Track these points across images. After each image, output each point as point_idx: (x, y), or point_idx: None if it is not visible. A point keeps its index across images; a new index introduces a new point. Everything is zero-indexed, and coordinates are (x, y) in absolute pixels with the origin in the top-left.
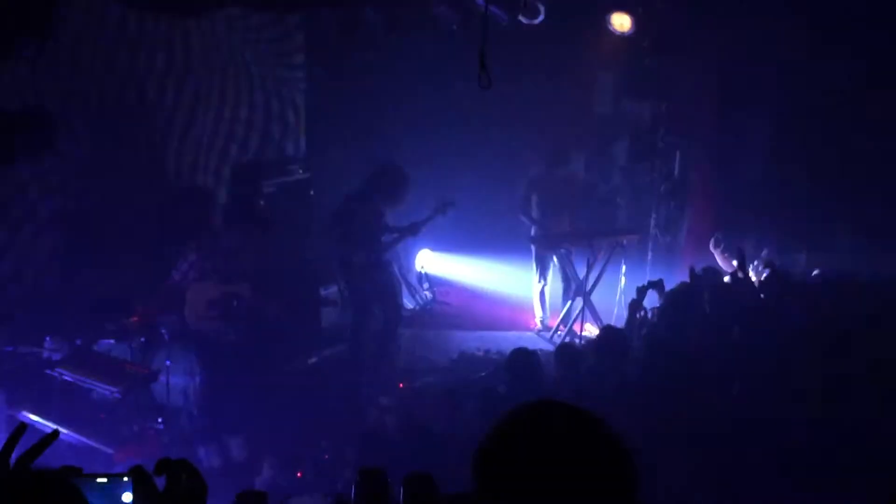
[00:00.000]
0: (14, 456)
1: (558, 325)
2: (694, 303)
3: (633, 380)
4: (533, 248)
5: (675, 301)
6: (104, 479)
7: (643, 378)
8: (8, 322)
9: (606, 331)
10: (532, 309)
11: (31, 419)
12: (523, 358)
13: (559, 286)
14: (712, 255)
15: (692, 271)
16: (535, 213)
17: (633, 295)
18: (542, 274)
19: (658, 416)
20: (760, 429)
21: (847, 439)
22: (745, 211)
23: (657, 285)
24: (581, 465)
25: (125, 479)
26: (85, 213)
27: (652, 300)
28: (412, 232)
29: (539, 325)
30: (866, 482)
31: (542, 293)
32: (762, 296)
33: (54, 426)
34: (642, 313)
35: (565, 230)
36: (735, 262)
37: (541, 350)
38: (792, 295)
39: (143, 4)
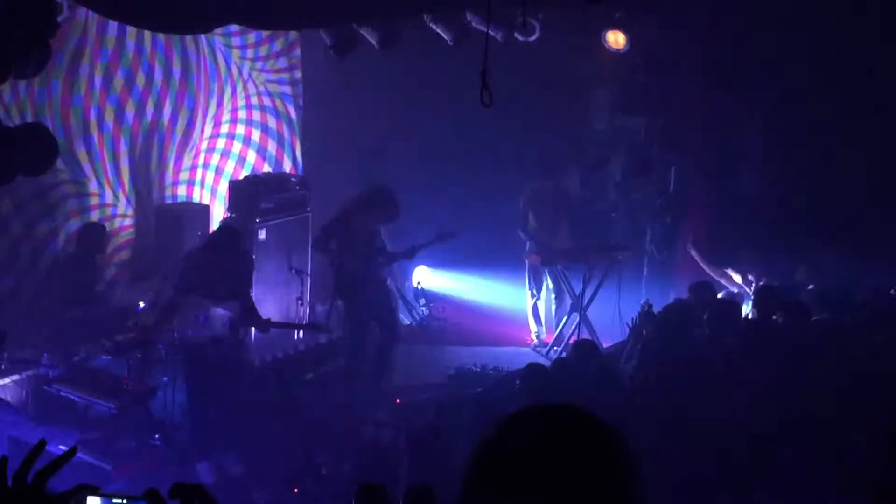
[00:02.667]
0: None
1: (554, 341)
2: (690, 320)
3: (628, 393)
4: (527, 262)
5: (671, 319)
6: (120, 500)
7: (636, 397)
8: (4, 339)
9: (581, 346)
10: (527, 324)
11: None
12: (537, 373)
13: (552, 300)
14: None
15: (693, 289)
16: (531, 229)
17: (628, 310)
18: (536, 289)
19: (657, 427)
20: (756, 443)
21: (843, 451)
22: (739, 226)
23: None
24: (584, 471)
25: (140, 500)
26: (84, 231)
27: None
28: (408, 256)
29: (535, 341)
30: (863, 491)
31: (535, 308)
32: (756, 311)
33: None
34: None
35: (562, 246)
36: (732, 275)
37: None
38: (785, 310)
39: (142, 22)
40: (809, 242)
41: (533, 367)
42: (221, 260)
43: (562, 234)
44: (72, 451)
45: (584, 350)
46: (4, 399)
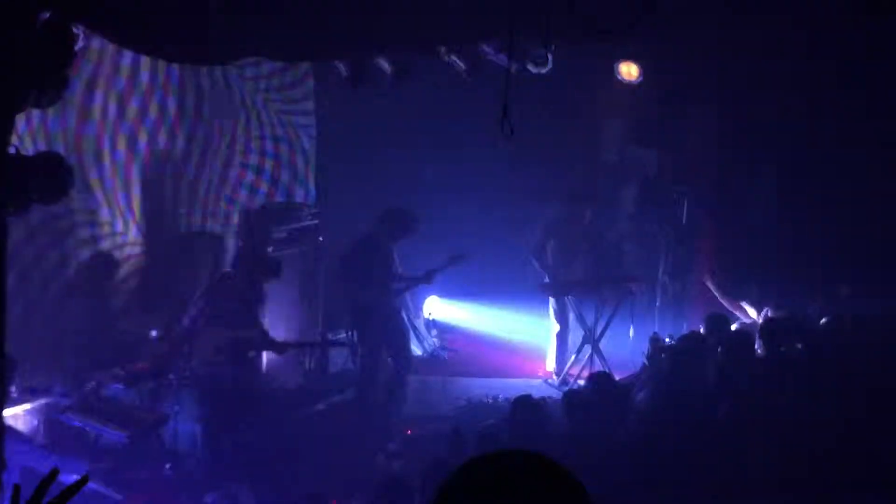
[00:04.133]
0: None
1: (566, 373)
2: (703, 352)
3: (636, 428)
4: (550, 294)
5: (686, 350)
6: None
7: (648, 428)
8: (16, 368)
9: (598, 378)
10: (539, 355)
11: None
12: (527, 405)
13: (579, 333)
14: (720, 302)
15: (707, 321)
16: (549, 260)
17: (642, 341)
18: (563, 320)
19: (661, 465)
20: (767, 479)
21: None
22: (754, 257)
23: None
24: None
25: None
26: (94, 260)
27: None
28: (427, 280)
29: (554, 374)
30: None
31: (563, 340)
32: (764, 343)
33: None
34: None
35: (576, 277)
36: (746, 308)
37: (549, 398)
38: (794, 342)
39: (158, 54)
40: (823, 274)
41: (521, 400)
42: (252, 287)
43: (578, 266)
44: (82, 481)
45: (600, 382)
46: (17, 428)
